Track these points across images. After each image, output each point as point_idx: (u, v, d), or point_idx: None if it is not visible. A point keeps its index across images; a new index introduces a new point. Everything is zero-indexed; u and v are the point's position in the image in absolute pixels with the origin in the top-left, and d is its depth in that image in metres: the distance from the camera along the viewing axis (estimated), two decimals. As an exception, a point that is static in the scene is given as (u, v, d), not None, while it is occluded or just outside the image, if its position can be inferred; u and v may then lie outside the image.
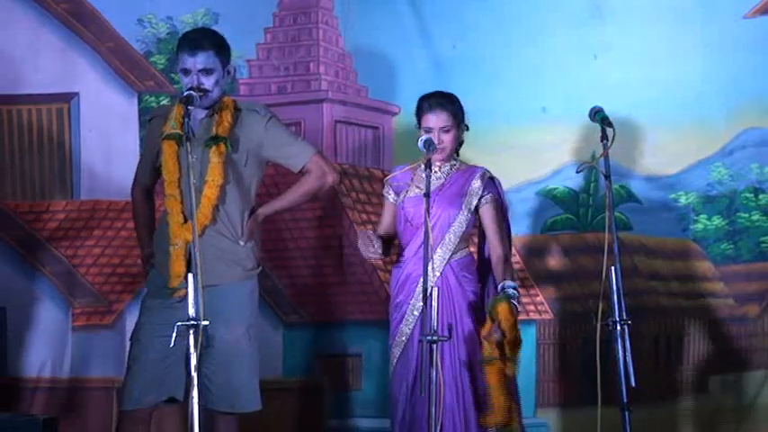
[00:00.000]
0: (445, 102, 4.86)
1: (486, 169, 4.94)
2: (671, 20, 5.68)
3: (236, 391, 4.61)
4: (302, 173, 4.73)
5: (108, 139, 5.72)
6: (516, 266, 5.65)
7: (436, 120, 4.83)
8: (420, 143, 4.68)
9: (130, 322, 5.23)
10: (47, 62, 5.70)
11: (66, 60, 5.72)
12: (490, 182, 4.90)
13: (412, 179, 4.90)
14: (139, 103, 5.75)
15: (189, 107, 4.39)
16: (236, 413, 4.66)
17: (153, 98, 5.74)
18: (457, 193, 4.86)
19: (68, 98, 5.72)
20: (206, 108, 4.63)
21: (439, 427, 4.43)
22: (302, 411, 5.80)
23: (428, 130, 4.82)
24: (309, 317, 5.80)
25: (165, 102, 5.67)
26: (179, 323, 4.09)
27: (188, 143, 4.28)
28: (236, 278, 4.63)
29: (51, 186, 5.73)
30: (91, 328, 5.70)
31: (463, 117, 4.92)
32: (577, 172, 4.73)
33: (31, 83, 5.70)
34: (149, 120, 4.88)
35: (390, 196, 4.97)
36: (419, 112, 4.89)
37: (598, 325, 4.25)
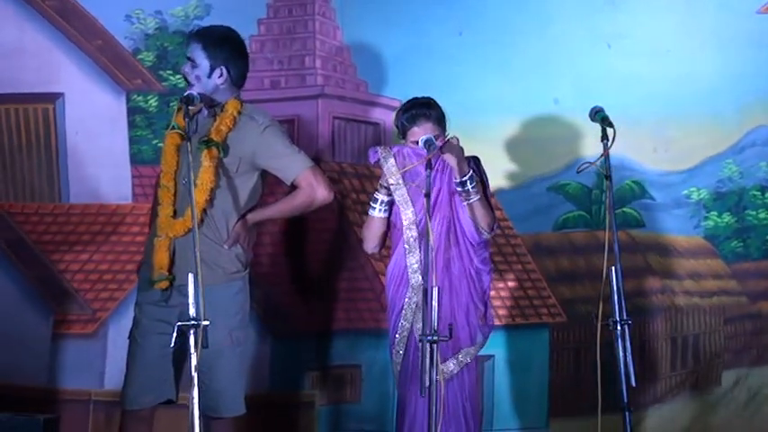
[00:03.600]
0: (427, 110, 4.72)
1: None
2: (684, 10, 5.59)
3: (217, 396, 4.55)
4: (294, 186, 4.69)
5: (96, 140, 5.64)
6: (528, 266, 5.61)
7: (422, 132, 4.66)
8: (421, 143, 4.52)
9: (113, 331, 5.27)
10: (33, 61, 5.62)
11: (53, 59, 5.62)
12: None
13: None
14: (128, 102, 5.64)
15: (189, 106, 4.42)
16: (223, 418, 4.61)
17: (141, 97, 5.64)
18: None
19: (54, 98, 5.63)
20: (209, 107, 4.65)
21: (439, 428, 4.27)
22: (292, 427, 5.61)
23: (417, 143, 4.64)
24: (303, 326, 5.61)
25: (152, 101, 5.62)
26: (179, 323, 4.08)
27: (188, 143, 4.32)
28: (217, 281, 4.55)
29: (41, 189, 5.66)
30: (72, 337, 5.57)
31: (444, 115, 4.76)
32: (578, 172, 4.64)
33: (17, 82, 5.61)
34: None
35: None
36: (402, 128, 4.73)
37: (599, 325, 4.20)
